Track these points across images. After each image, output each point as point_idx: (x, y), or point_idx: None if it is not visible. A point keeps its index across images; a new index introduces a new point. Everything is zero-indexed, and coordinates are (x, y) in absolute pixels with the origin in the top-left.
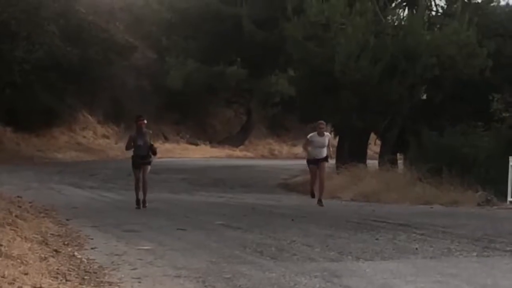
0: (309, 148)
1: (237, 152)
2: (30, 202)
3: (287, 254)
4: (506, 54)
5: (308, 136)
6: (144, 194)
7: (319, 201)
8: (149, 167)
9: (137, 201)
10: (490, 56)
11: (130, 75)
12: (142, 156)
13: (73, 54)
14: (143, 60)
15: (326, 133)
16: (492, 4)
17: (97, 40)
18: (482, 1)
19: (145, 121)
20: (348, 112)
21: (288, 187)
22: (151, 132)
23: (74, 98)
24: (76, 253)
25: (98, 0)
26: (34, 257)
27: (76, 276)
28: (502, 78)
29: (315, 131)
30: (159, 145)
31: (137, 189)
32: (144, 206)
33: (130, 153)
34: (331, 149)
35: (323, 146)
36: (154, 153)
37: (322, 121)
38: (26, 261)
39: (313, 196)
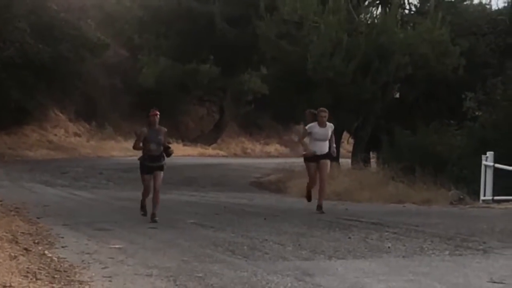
0: (308, 142)
1: (210, 150)
2: (1, 201)
3: (259, 253)
4: (479, 53)
5: (307, 127)
6: (155, 205)
7: (319, 207)
8: (162, 174)
9: (143, 206)
10: (463, 55)
11: (102, 72)
12: (153, 159)
13: (45, 51)
14: (115, 57)
15: (329, 124)
16: (465, 3)
17: (69, 37)
18: (454, 0)
19: (158, 114)
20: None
21: (260, 185)
22: (166, 130)
23: (45, 95)
24: (46, 252)
25: None
26: (4, 255)
27: (46, 274)
28: (475, 77)
29: (314, 120)
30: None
31: (144, 200)
32: (153, 219)
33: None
34: (334, 143)
35: (325, 139)
36: (168, 154)
37: (324, 108)
38: None
39: (309, 199)
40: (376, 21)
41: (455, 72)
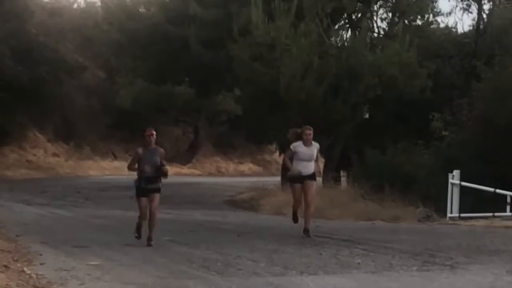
0: (293, 162)
1: (185, 169)
2: None
3: (232, 269)
4: (445, 75)
5: (292, 146)
6: (151, 229)
7: (306, 231)
8: (158, 196)
9: (138, 229)
10: (430, 77)
11: (80, 94)
12: (149, 180)
13: (24, 73)
14: (93, 79)
15: (314, 143)
16: (432, 26)
17: (48, 60)
18: (422, 23)
19: (155, 134)
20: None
21: (234, 203)
22: (163, 150)
23: (24, 116)
24: (25, 269)
25: (48, 21)
26: None
27: None
28: (442, 98)
29: (298, 139)
30: (109, 163)
31: (139, 227)
32: (149, 243)
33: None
34: (320, 163)
35: (310, 159)
36: (164, 175)
37: (309, 126)
38: None
39: (295, 220)
40: (346, 44)
41: (423, 93)
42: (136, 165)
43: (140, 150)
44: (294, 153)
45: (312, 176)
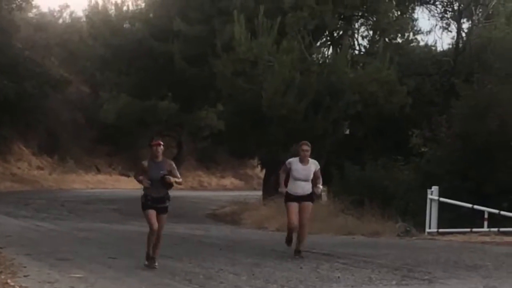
0: (289, 180)
1: None
2: None
3: (214, 283)
4: (424, 92)
5: (287, 162)
6: (155, 249)
7: (297, 252)
8: (165, 217)
9: (148, 256)
10: (410, 94)
11: (65, 108)
12: (158, 199)
13: (9, 87)
14: (77, 94)
15: (312, 160)
16: (411, 44)
17: (33, 74)
18: (402, 41)
19: (162, 145)
20: (275, 146)
21: (216, 217)
22: (172, 163)
23: (9, 130)
24: (9, 281)
25: (34, 35)
26: None
27: None
28: (421, 115)
29: (296, 155)
30: (92, 177)
31: (150, 241)
32: (152, 265)
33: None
34: (320, 183)
35: (306, 179)
36: (167, 184)
37: (306, 142)
38: None
39: (289, 242)
40: (327, 61)
41: (402, 110)
42: (142, 177)
43: (145, 163)
44: (289, 170)
45: (309, 197)
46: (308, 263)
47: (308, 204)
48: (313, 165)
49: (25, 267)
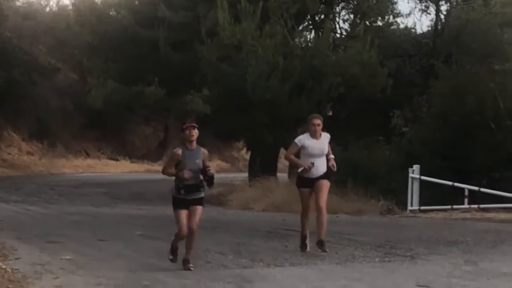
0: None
1: (156, 166)
2: None
3: (201, 262)
4: (405, 73)
5: (296, 140)
6: (189, 249)
7: (320, 243)
8: (201, 209)
9: (173, 251)
10: (391, 75)
11: (53, 95)
12: (190, 189)
13: None
14: (66, 81)
15: (325, 133)
16: (392, 27)
17: (21, 62)
18: (382, 24)
19: (197, 128)
20: (260, 129)
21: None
22: (206, 152)
23: None
24: (0, 264)
25: (22, 24)
26: None
27: (0, 285)
28: (402, 96)
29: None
30: (81, 161)
31: (177, 239)
32: (186, 267)
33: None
34: (332, 157)
35: (321, 154)
36: (210, 181)
37: (317, 114)
38: None
39: (304, 246)
40: (309, 44)
41: (384, 91)
42: (174, 169)
43: (179, 151)
44: (300, 148)
45: (325, 175)
46: (293, 241)
47: (324, 183)
48: (326, 138)
49: (16, 250)
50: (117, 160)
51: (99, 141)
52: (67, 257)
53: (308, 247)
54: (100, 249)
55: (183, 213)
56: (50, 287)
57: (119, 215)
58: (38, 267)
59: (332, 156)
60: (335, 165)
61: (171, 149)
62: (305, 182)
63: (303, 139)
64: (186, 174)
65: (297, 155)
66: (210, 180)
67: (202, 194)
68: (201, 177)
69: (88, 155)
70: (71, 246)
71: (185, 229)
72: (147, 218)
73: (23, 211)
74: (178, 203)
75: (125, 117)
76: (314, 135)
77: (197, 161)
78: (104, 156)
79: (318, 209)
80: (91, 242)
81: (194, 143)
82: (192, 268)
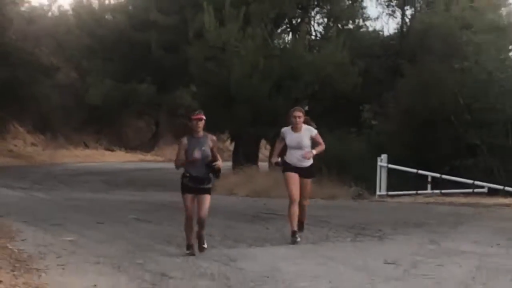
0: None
1: (148, 156)
2: None
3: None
4: (374, 72)
5: (281, 131)
6: (200, 233)
7: (297, 232)
8: (208, 198)
9: (189, 245)
10: (360, 74)
11: (55, 92)
12: (198, 178)
13: (4, 74)
14: (66, 79)
15: (307, 126)
16: (361, 30)
17: (26, 62)
18: (353, 27)
19: (204, 119)
20: (243, 122)
21: None
22: (214, 137)
23: (5, 112)
24: (8, 245)
25: (26, 27)
26: None
27: (8, 264)
28: (371, 92)
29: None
30: (81, 152)
31: (188, 230)
32: (201, 248)
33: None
34: (319, 148)
35: (298, 147)
36: (216, 173)
37: (298, 107)
38: None
39: (294, 237)
40: (287, 46)
41: (354, 88)
42: (184, 159)
43: (185, 140)
44: (283, 140)
45: (307, 170)
46: (273, 224)
47: (308, 182)
48: (307, 132)
49: (22, 232)
50: (113, 150)
51: (97, 134)
52: (69, 239)
53: (298, 240)
54: (99, 231)
55: (189, 197)
56: (53, 266)
57: (115, 201)
58: (42, 248)
59: (313, 151)
60: (309, 156)
61: (162, 140)
62: (290, 168)
63: (285, 131)
64: (197, 154)
65: (284, 147)
66: (216, 172)
67: (210, 185)
68: (211, 174)
69: (86, 146)
70: (72, 229)
71: (190, 212)
72: (141, 203)
73: (28, 197)
74: (185, 189)
75: (121, 112)
76: (294, 128)
77: (203, 148)
78: (101, 147)
79: (301, 208)
80: (90, 225)
81: (201, 132)
82: (206, 247)
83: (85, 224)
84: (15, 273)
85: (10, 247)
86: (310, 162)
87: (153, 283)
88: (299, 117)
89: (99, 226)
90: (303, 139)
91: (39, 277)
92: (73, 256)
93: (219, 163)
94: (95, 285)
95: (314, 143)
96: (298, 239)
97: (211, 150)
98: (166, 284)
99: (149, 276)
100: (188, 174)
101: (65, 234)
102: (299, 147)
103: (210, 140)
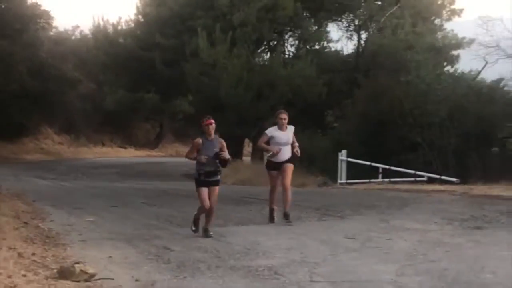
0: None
1: (153, 153)
2: (7, 189)
3: (188, 222)
4: (335, 84)
5: (267, 131)
6: (208, 221)
7: (285, 215)
8: (217, 189)
9: (196, 222)
10: (325, 85)
11: (78, 100)
12: (208, 175)
13: (37, 86)
14: (87, 89)
15: (289, 126)
16: (326, 50)
17: (54, 76)
18: (319, 48)
19: (214, 123)
20: (230, 124)
21: (190, 176)
22: (223, 141)
23: (38, 117)
24: (40, 224)
25: (54, 48)
26: (10, 227)
27: (40, 240)
28: (333, 100)
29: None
30: (99, 149)
31: (200, 212)
32: (207, 234)
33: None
34: (296, 145)
35: (286, 143)
36: (223, 163)
37: (283, 111)
38: (4, 230)
39: (272, 218)
40: (266, 63)
41: (320, 97)
42: (195, 154)
43: (200, 141)
44: (270, 138)
45: (289, 160)
46: (255, 207)
47: (289, 166)
48: (291, 130)
49: (51, 214)
50: (125, 148)
51: (112, 134)
52: (89, 219)
53: (275, 219)
54: (113, 213)
55: (205, 191)
56: (76, 241)
57: (126, 188)
58: (67, 227)
59: (296, 144)
60: (299, 151)
61: (165, 140)
62: (274, 165)
63: (272, 131)
64: (204, 159)
65: (267, 144)
66: (224, 162)
67: (219, 177)
68: (219, 163)
69: (103, 144)
70: (91, 211)
71: (207, 203)
72: (148, 190)
73: (56, 185)
74: (200, 183)
75: (131, 116)
76: (281, 127)
77: (214, 149)
78: (116, 145)
79: (284, 188)
80: (106, 208)
81: (213, 135)
82: (212, 236)
83: (102, 207)
84: (46, 247)
85: (42, 226)
86: (290, 154)
87: (158, 255)
88: (285, 119)
89: (114, 209)
90: (289, 137)
91: (65, 250)
92: (92, 233)
93: (226, 154)
94: (110, 256)
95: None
96: (275, 221)
97: (221, 150)
98: (168, 255)
99: (154, 249)
100: (202, 171)
101: (86, 215)
102: (287, 143)
103: (219, 142)
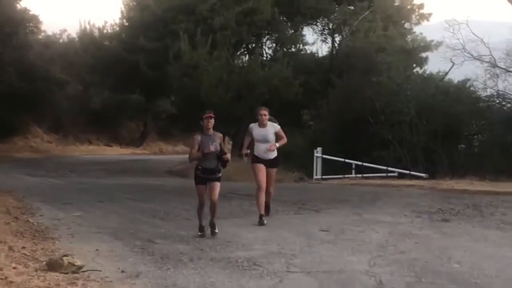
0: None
1: (138, 150)
2: None
3: (171, 216)
4: (311, 84)
5: (249, 127)
6: (213, 216)
7: (267, 210)
8: (218, 184)
9: (201, 227)
10: (301, 86)
11: (65, 100)
12: (209, 170)
13: (26, 87)
14: (74, 90)
15: (271, 123)
16: (301, 52)
17: (43, 77)
18: (295, 50)
19: (213, 117)
20: None
21: (172, 173)
22: (221, 135)
23: (27, 116)
24: (29, 219)
25: (43, 50)
26: (1, 222)
27: (30, 234)
28: (309, 100)
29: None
30: (86, 147)
31: (200, 214)
32: (213, 231)
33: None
34: (282, 141)
35: (264, 141)
36: (224, 165)
37: (263, 107)
38: None
39: (261, 220)
40: (245, 65)
41: (296, 97)
42: (198, 151)
43: (198, 137)
44: (250, 134)
45: (273, 162)
46: (234, 201)
47: (272, 170)
48: (272, 128)
49: (40, 209)
50: (111, 146)
51: (98, 133)
52: (76, 214)
53: (265, 222)
54: (99, 208)
55: (202, 188)
56: (65, 235)
57: (112, 185)
58: (55, 221)
59: (276, 144)
60: (273, 148)
61: (150, 138)
62: (258, 159)
63: (252, 127)
64: (212, 147)
65: (251, 141)
66: (224, 163)
67: (219, 174)
68: (220, 164)
69: (90, 142)
70: (79, 206)
71: (203, 199)
72: (132, 186)
73: (45, 182)
74: (199, 180)
75: (116, 116)
76: (261, 124)
77: (215, 143)
78: (102, 143)
79: (267, 193)
80: (93, 203)
81: (211, 130)
82: (217, 232)
83: (89, 203)
84: (35, 241)
85: (31, 221)
86: (275, 154)
87: (142, 248)
88: (265, 115)
89: (100, 204)
90: (268, 133)
91: (54, 244)
92: (80, 228)
93: (228, 156)
94: (97, 249)
95: (277, 137)
96: (265, 222)
97: (220, 145)
98: (152, 248)
99: (139, 242)
100: (200, 167)
101: (73, 210)
102: (265, 140)
103: (218, 137)
